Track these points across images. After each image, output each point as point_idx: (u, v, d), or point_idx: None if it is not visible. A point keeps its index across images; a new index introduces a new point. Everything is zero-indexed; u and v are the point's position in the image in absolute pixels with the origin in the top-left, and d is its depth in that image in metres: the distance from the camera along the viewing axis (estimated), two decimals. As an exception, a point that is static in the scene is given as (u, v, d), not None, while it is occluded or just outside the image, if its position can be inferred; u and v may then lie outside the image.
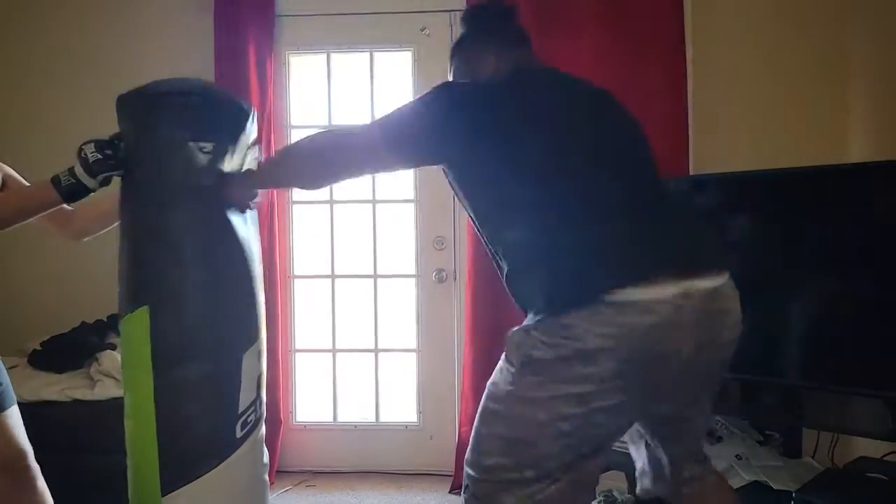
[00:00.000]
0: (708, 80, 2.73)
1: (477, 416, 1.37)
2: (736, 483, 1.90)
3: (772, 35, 2.65)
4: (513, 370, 1.29)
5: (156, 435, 1.36)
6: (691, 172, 2.69)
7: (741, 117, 2.68)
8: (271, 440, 2.86)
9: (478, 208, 1.42)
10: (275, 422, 2.88)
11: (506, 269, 1.38)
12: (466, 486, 1.36)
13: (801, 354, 2.03)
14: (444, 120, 1.39)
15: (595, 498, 2.26)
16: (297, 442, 3.00)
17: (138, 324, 1.41)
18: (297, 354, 3.11)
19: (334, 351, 3.11)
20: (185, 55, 3.03)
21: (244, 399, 1.44)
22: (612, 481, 2.38)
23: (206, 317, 1.43)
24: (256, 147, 1.64)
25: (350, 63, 3.08)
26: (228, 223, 1.48)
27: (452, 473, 2.82)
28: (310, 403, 3.12)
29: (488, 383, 1.36)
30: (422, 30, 2.97)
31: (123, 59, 3.05)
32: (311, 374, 3.14)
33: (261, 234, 2.85)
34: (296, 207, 3.08)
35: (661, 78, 2.71)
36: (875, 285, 1.89)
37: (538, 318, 1.28)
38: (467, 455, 1.37)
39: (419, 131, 1.40)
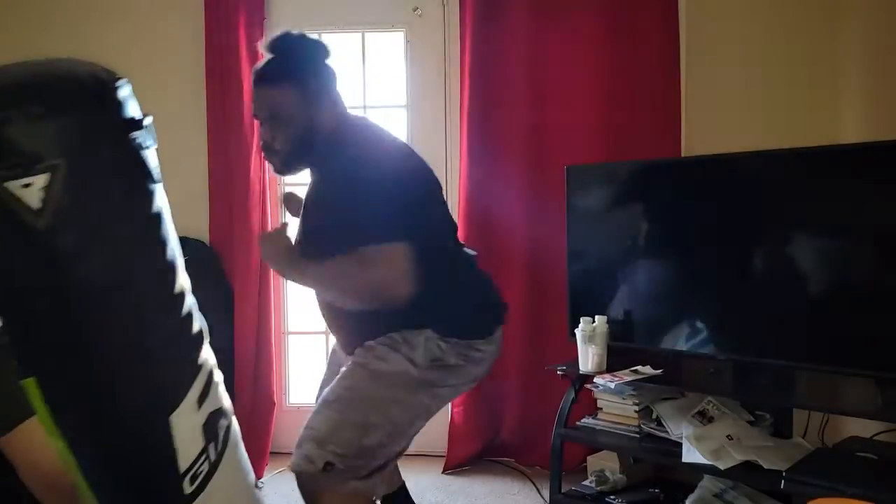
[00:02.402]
0: (701, 63, 2.72)
1: (346, 401, 1.58)
2: (727, 463, 1.92)
3: (764, 17, 2.64)
4: (410, 359, 1.59)
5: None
6: (683, 154, 2.69)
7: (733, 99, 2.68)
8: (264, 422, 2.87)
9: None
10: (268, 404, 2.88)
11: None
12: (330, 466, 1.52)
13: (791, 335, 2.04)
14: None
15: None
16: (290, 423, 3.00)
17: (33, 395, 1.02)
18: (290, 336, 3.11)
19: (327, 332, 3.11)
20: (175, 35, 3.00)
21: (186, 455, 1.13)
22: (605, 461, 2.40)
23: (107, 384, 1.03)
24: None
25: (341, 43, 3.04)
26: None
27: (445, 454, 2.84)
28: (303, 385, 3.12)
29: (361, 368, 1.61)
30: (414, 10, 2.94)
31: (111, 43, 3.02)
32: (303, 355, 3.14)
33: (252, 216, 2.88)
34: (288, 189, 3.06)
35: (654, 60, 2.71)
36: (867, 266, 1.90)
37: (446, 335, 1.62)
38: (331, 439, 1.54)
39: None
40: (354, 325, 1.68)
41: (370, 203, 1.52)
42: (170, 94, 3.03)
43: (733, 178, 2.18)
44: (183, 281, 1.15)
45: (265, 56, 1.66)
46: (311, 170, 1.73)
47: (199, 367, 1.16)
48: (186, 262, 2.98)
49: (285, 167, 1.70)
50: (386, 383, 1.59)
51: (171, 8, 3.01)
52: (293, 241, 1.67)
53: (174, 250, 1.13)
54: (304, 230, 1.70)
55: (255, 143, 2.88)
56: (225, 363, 2.83)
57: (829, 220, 1.99)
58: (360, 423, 1.56)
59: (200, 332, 1.17)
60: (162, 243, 1.09)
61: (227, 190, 2.91)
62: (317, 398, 1.77)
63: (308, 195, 1.71)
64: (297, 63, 1.64)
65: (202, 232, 2.99)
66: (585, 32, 2.75)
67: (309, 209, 1.69)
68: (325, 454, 1.52)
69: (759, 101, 2.64)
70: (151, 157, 1.10)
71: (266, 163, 1.79)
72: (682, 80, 2.72)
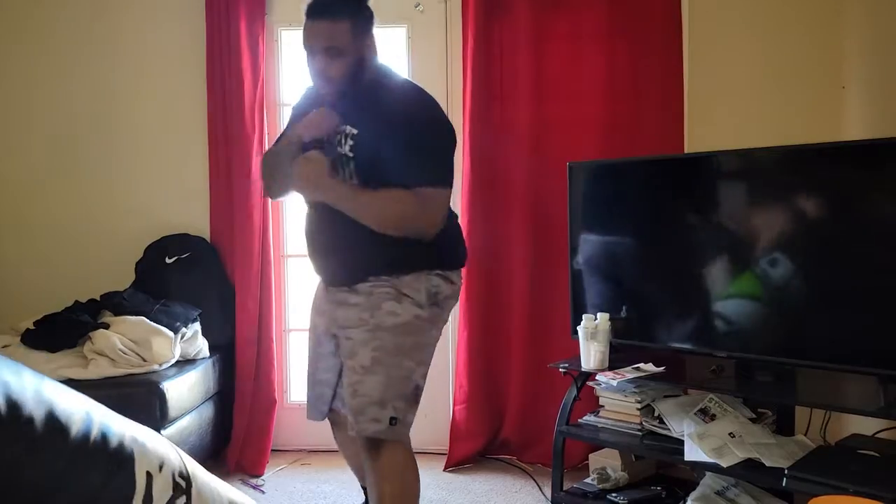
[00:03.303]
0: (703, 59, 2.71)
1: (381, 362, 1.73)
2: (729, 461, 1.92)
3: (767, 13, 2.64)
4: (414, 301, 1.76)
5: None
6: (686, 150, 2.68)
7: (736, 95, 2.67)
8: (265, 420, 2.87)
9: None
10: (269, 402, 2.88)
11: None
12: (395, 420, 1.72)
13: (794, 332, 2.04)
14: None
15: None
16: (291, 421, 3.01)
17: None
18: (291, 334, 3.10)
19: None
20: (176, 31, 3.00)
21: None
22: (607, 459, 2.39)
23: None
24: None
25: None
26: None
27: (447, 451, 2.84)
28: (304, 383, 3.11)
29: (379, 330, 1.74)
30: (416, 6, 2.93)
31: (113, 36, 3.01)
32: (304, 353, 3.13)
33: (254, 213, 2.88)
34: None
35: (657, 56, 2.70)
36: (870, 263, 1.89)
37: (440, 268, 1.80)
38: (390, 397, 1.72)
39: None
40: (358, 255, 1.79)
41: (437, 147, 1.75)
42: (170, 89, 3.02)
43: (736, 174, 2.17)
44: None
45: None
46: (358, 104, 1.79)
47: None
48: (188, 258, 2.99)
49: (341, 97, 1.78)
50: (406, 332, 1.76)
51: (172, 3, 3.00)
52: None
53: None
54: (357, 162, 1.77)
55: (256, 137, 2.87)
56: (226, 360, 2.85)
57: (832, 217, 1.99)
58: (404, 375, 1.75)
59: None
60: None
61: (228, 187, 2.91)
62: (309, 374, 1.98)
63: (361, 131, 1.78)
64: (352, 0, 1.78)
65: (203, 228, 2.99)
66: (588, 28, 2.74)
67: (363, 143, 1.76)
68: (388, 411, 1.72)
69: (763, 97, 2.63)
70: None
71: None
72: (686, 76, 2.71)
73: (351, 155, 1.77)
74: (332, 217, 1.78)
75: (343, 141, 1.79)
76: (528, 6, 2.77)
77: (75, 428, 0.85)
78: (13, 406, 0.76)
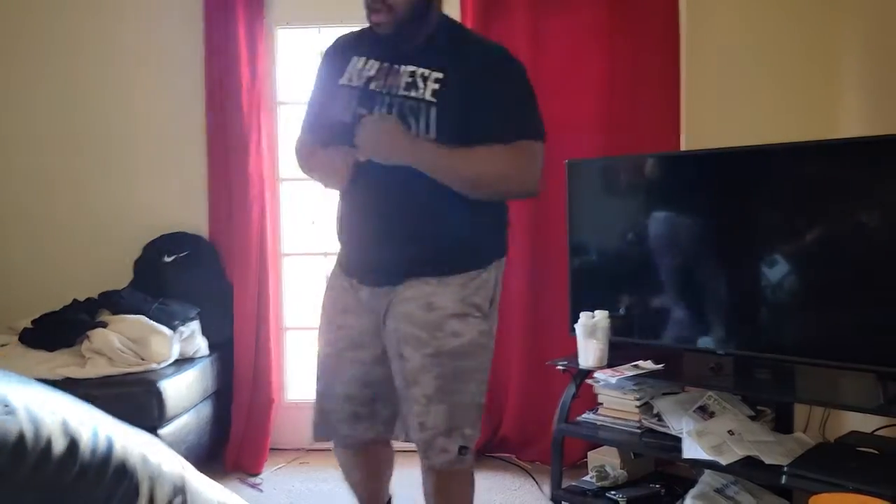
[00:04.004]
0: (700, 57, 2.72)
1: (445, 391, 1.56)
2: (728, 458, 1.91)
3: (764, 11, 2.64)
4: (480, 314, 1.59)
5: None
6: (683, 148, 2.69)
7: (733, 93, 2.68)
8: (264, 418, 2.86)
9: None
10: (267, 400, 2.88)
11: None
12: (464, 449, 1.59)
13: (793, 329, 2.04)
14: None
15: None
16: (289, 420, 3.00)
17: None
18: (289, 332, 3.10)
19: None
20: (175, 31, 2.99)
21: None
22: (605, 457, 2.39)
23: None
24: None
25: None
26: None
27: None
28: (302, 381, 3.11)
29: (441, 355, 1.55)
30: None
31: (111, 34, 3.01)
32: (302, 351, 3.14)
33: (252, 211, 2.87)
34: (286, 184, 3.05)
35: (654, 54, 2.71)
36: (868, 260, 1.89)
37: (481, 267, 1.60)
38: (459, 424, 1.58)
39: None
40: (427, 244, 1.56)
41: (533, 98, 1.57)
42: (169, 87, 3.01)
43: (733, 172, 2.17)
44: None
45: None
46: (435, 45, 1.58)
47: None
48: (186, 257, 2.94)
49: (396, 25, 1.53)
50: (469, 353, 1.59)
51: (171, 2, 2.99)
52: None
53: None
54: (440, 109, 1.52)
55: (254, 136, 2.87)
56: (224, 359, 2.84)
57: (830, 214, 1.98)
58: (468, 402, 1.60)
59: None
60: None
61: (226, 185, 2.90)
62: (326, 384, 1.69)
63: (449, 74, 1.53)
64: None
65: (201, 227, 2.99)
66: (586, 27, 2.74)
67: (451, 87, 1.52)
68: (457, 440, 1.58)
69: (759, 95, 2.64)
70: None
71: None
72: (683, 74, 2.71)
73: (434, 100, 1.51)
74: (391, 193, 1.54)
75: (420, 84, 1.53)
76: (527, 5, 2.76)
77: (83, 443, 0.85)
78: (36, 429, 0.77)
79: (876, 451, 1.86)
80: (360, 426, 1.69)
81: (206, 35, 2.90)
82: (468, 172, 1.52)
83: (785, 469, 1.81)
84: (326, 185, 1.66)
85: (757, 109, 2.63)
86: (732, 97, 2.67)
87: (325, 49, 1.75)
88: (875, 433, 2.01)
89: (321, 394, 1.71)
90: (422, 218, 1.56)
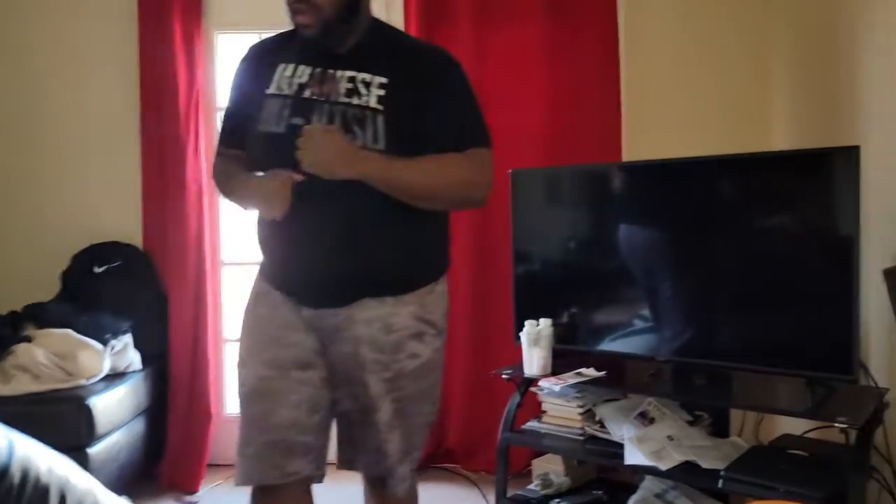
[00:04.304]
0: (639, 71, 2.80)
1: (402, 414, 1.49)
2: (668, 464, 1.95)
3: (699, 29, 2.74)
4: (435, 331, 1.52)
5: None
6: (624, 159, 2.75)
7: (670, 106, 2.77)
8: (201, 433, 2.77)
9: None
10: (204, 415, 2.79)
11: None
12: (413, 471, 1.55)
13: (728, 337, 2.10)
14: None
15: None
16: (228, 435, 2.90)
17: None
18: (228, 344, 3.01)
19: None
20: (105, 31, 2.88)
21: None
22: (550, 464, 2.41)
23: None
24: None
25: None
26: None
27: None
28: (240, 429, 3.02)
29: (400, 377, 1.48)
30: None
31: (35, 34, 2.88)
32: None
33: (189, 220, 2.79)
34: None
35: (595, 68, 2.76)
36: (798, 269, 1.97)
37: (434, 280, 1.53)
38: (414, 447, 1.54)
39: None
40: (379, 259, 1.44)
41: (476, 105, 1.50)
42: (101, 91, 2.91)
43: (670, 183, 2.23)
44: None
45: None
46: (371, 47, 1.47)
47: None
48: (118, 267, 2.81)
49: (322, 27, 1.41)
50: (427, 372, 1.51)
51: (104, 2, 2.89)
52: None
53: None
54: (387, 117, 1.41)
55: (191, 142, 2.78)
56: (159, 373, 2.74)
57: (761, 225, 2.05)
58: (422, 423, 1.54)
59: None
60: None
61: (162, 193, 2.81)
62: (257, 416, 1.47)
63: (392, 78, 1.43)
64: None
65: (135, 236, 2.88)
66: (528, 39, 2.78)
67: (396, 93, 1.42)
68: (410, 464, 1.53)
69: (696, 108, 2.73)
70: None
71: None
72: (622, 88, 2.77)
73: (380, 108, 1.40)
74: (336, 206, 1.40)
75: (362, 91, 1.41)
76: (471, 17, 2.78)
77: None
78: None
79: (805, 454, 1.93)
80: (300, 461, 1.46)
81: (141, 37, 2.81)
82: (423, 184, 1.42)
83: (721, 473, 1.86)
84: (262, 214, 1.48)
85: (694, 122, 2.72)
86: (671, 110, 2.76)
87: (242, 57, 1.60)
88: (805, 435, 2.09)
89: (255, 423, 1.47)
90: (373, 233, 1.44)
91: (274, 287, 1.53)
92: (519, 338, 2.29)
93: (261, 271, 1.59)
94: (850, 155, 1.80)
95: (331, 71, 1.45)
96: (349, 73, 1.43)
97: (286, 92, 1.46)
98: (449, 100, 1.45)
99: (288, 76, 1.48)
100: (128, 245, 2.87)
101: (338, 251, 1.43)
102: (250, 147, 1.51)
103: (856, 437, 1.77)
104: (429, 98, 1.43)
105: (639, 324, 2.25)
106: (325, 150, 1.36)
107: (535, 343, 2.24)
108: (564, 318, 2.36)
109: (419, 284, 1.50)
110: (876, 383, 1.82)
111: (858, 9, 2.08)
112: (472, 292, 2.80)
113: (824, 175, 1.91)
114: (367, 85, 1.42)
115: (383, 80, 1.42)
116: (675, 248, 2.19)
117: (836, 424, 1.72)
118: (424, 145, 1.42)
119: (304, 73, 1.47)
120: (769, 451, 2.03)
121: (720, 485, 1.85)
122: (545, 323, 2.26)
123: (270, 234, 1.51)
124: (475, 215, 2.78)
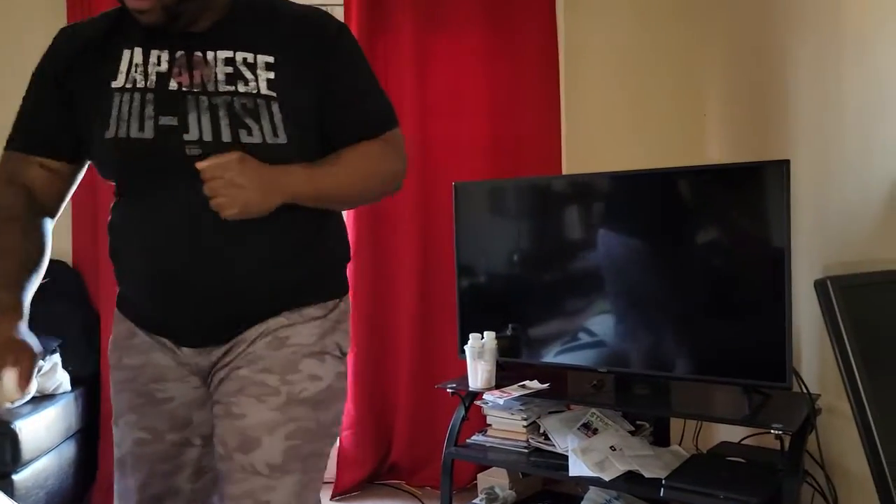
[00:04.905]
0: (578, 84, 2.84)
1: (299, 458, 1.15)
2: (611, 474, 1.97)
3: (639, 42, 2.80)
4: (339, 353, 1.25)
5: None
6: (564, 171, 2.79)
7: (609, 120, 2.81)
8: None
9: None
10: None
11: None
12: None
13: (667, 347, 2.13)
14: None
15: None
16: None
17: None
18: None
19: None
20: (32, 13, 2.76)
21: None
22: (495, 478, 2.40)
23: None
24: None
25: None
26: None
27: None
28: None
29: (297, 405, 1.15)
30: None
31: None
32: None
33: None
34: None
35: (536, 81, 2.79)
36: (731, 280, 2.02)
37: (336, 300, 1.27)
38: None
39: None
40: (277, 276, 1.18)
41: (375, 77, 1.28)
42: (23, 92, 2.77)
43: (608, 195, 2.26)
44: None
45: None
46: (241, 22, 1.17)
47: None
48: (46, 284, 2.64)
49: (161, 10, 1.07)
50: (329, 401, 1.20)
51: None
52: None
53: None
54: (282, 103, 1.14)
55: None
56: (90, 394, 2.62)
57: (695, 237, 2.10)
58: (321, 467, 1.21)
59: None
60: None
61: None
62: (134, 487, 1.23)
63: (279, 58, 1.16)
64: None
65: (65, 253, 2.76)
66: (469, 49, 2.79)
67: (287, 75, 1.15)
68: None
69: (633, 119, 2.79)
70: None
71: None
72: (562, 101, 2.81)
73: (272, 94, 1.13)
74: (211, 222, 1.10)
75: (247, 74, 1.13)
76: (412, 26, 2.78)
77: None
78: None
79: (743, 460, 1.98)
80: None
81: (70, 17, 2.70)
82: (351, 187, 1.21)
83: (663, 482, 1.88)
84: None
85: (633, 133, 2.78)
86: (610, 120, 2.81)
87: (53, 43, 1.21)
88: (742, 442, 2.15)
89: (129, 497, 1.24)
90: (259, 240, 1.15)
91: (139, 326, 1.24)
92: (463, 351, 2.28)
93: (120, 305, 1.30)
94: (781, 168, 1.86)
95: (198, 53, 1.13)
96: (225, 54, 1.13)
97: (142, 84, 1.12)
98: (348, 74, 1.21)
99: (139, 63, 1.13)
100: (57, 261, 2.74)
101: (222, 279, 1.14)
102: (100, 157, 1.18)
103: (790, 443, 1.82)
104: (326, 74, 1.18)
105: (582, 336, 2.27)
106: (247, 189, 1.07)
107: (479, 356, 2.23)
108: (508, 331, 2.36)
109: (322, 298, 1.24)
110: (808, 390, 1.87)
111: (789, 29, 2.16)
112: (415, 306, 2.78)
113: (756, 188, 1.97)
114: (252, 67, 1.13)
115: (269, 58, 1.14)
116: (614, 260, 2.22)
117: (772, 430, 1.77)
118: (330, 132, 1.20)
119: (160, 58, 1.13)
120: (708, 458, 2.07)
121: (662, 494, 1.87)
122: (489, 336, 2.26)
123: (128, 255, 1.21)
124: (420, 227, 2.77)
